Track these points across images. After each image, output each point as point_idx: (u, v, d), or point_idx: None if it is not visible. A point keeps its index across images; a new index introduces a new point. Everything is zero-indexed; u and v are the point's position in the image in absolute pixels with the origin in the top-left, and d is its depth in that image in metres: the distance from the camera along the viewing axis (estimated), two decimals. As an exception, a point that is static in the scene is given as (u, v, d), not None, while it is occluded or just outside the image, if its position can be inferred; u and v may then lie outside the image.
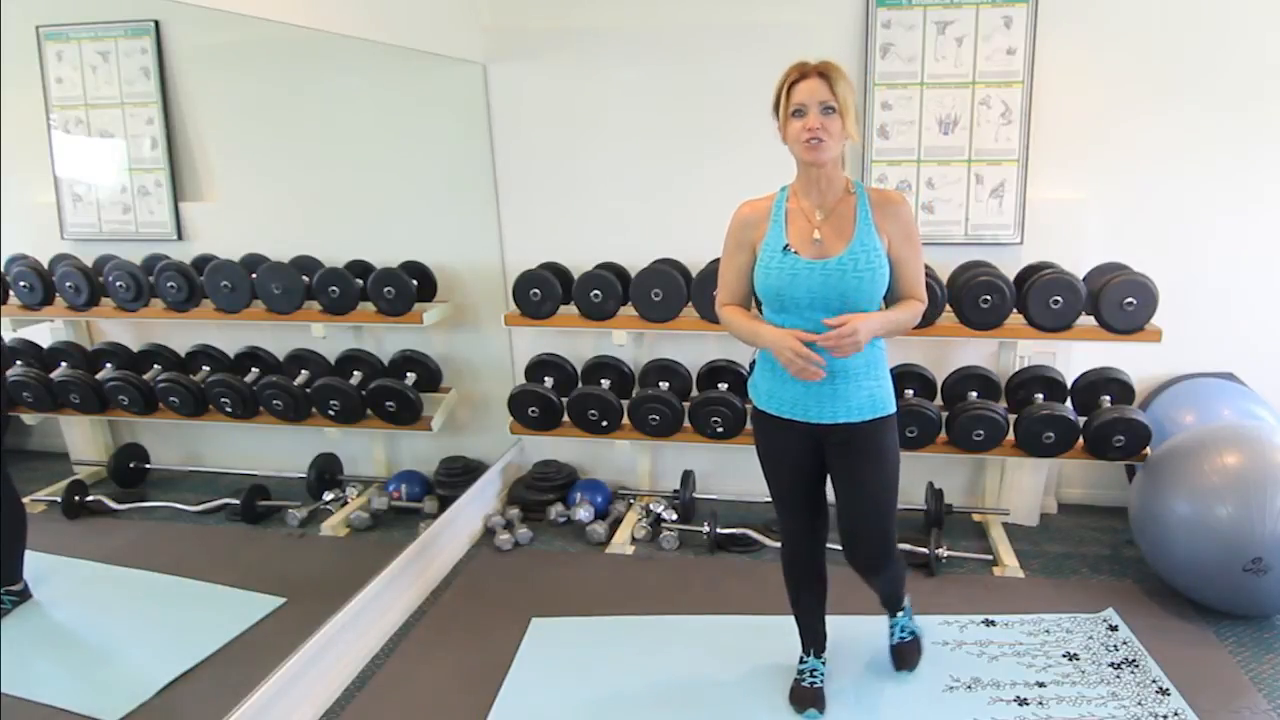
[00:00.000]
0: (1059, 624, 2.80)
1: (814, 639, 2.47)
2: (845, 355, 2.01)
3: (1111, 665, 2.58)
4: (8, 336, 3.70)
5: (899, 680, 2.54)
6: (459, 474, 3.73)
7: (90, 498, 3.62)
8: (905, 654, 2.58)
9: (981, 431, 3.18)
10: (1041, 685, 2.50)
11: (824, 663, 2.48)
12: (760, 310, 2.22)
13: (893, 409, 2.17)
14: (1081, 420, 3.18)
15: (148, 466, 3.94)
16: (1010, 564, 3.15)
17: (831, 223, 2.08)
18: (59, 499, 3.57)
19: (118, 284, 3.51)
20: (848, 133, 1.99)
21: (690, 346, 3.62)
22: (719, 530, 3.33)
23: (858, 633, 2.72)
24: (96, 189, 3.82)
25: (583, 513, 3.54)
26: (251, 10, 2.18)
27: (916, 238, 2.12)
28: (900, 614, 2.58)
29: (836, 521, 2.29)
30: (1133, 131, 3.25)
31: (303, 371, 3.73)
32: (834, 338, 1.97)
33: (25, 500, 3.60)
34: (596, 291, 3.36)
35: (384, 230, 3.73)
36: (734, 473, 3.76)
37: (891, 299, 2.15)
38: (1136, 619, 2.80)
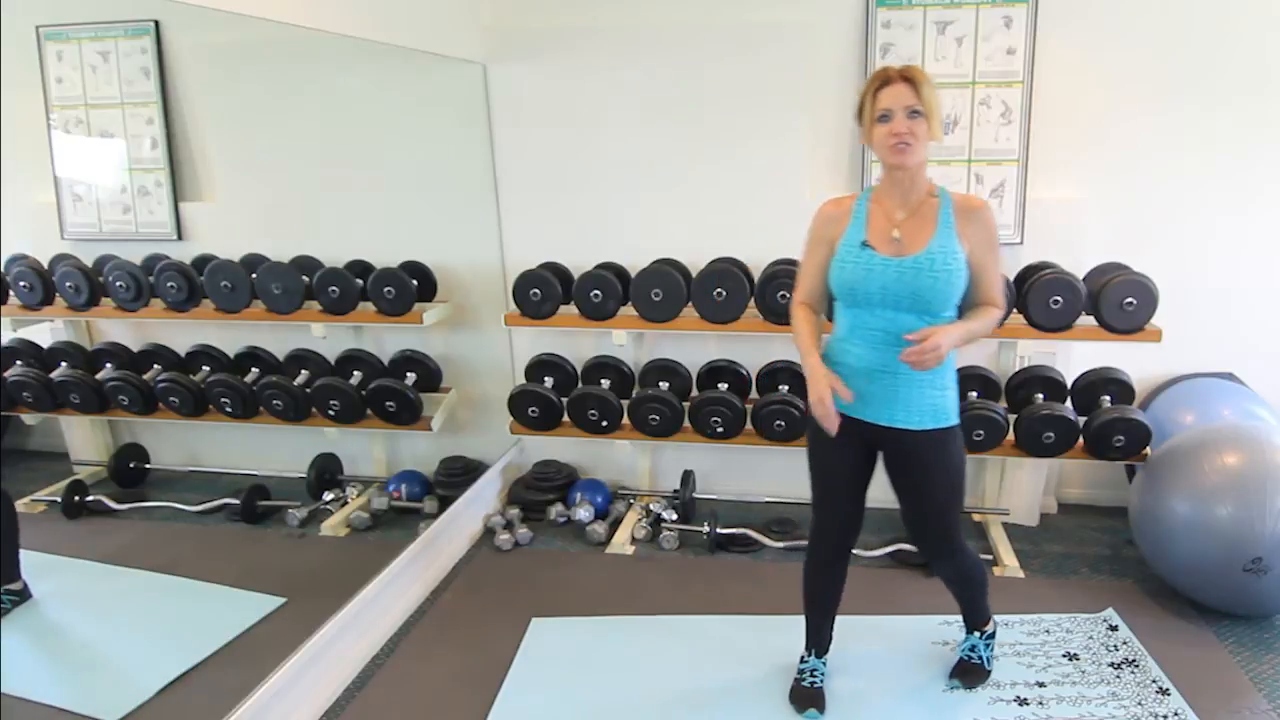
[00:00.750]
0: (1059, 624, 2.80)
1: (819, 640, 2.46)
2: (926, 369, 2.01)
3: (1111, 665, 2.58)
4: (7, 337, 3.70)
5: (899, 681, 2.54)
6: (459, 474, 3.73)
7: (90, 498, 3.62)
8: (963, 670, 2.52)
9: (981, 431, 3.18)
10: (1041, 685, 2.50)
11: (825, 663, 2.48)
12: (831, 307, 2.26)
13: (955, 420, 2.16)
14: (1081, 420, 3.18)
15: (148, 466, 3.94)
16: (1010, 564, 3.15)
17: (912, 222, 2.09)
18: (59, 499, 3.57)
19: (118, 284, 3.51)
20: (933, 134, 2.02)
21: (690, 346, 3.62)
22: (719, 530, 3.33)
23: (858, 633, 2.72)
24: (96, 189, 3.82)
25: (583, 513, 3.54)
26: (251, 10, 2.17)
27: (997, 245, 2.13)
28: (975, 634, 2.52)
29: (900, 514, 2.31)
30: (1132, 131, 3.25)
31: (303, 371, 3.73)
32: (916, 353, 1.98)
33: (26, 500, 3.63)
34: (596, 291, 3.36)
35: (384, 230, 3.73)
36: (734, 473, 3.76)
37: (967, 304, 2.15)
38: (1136, 619, 2.80)
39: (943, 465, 2.17)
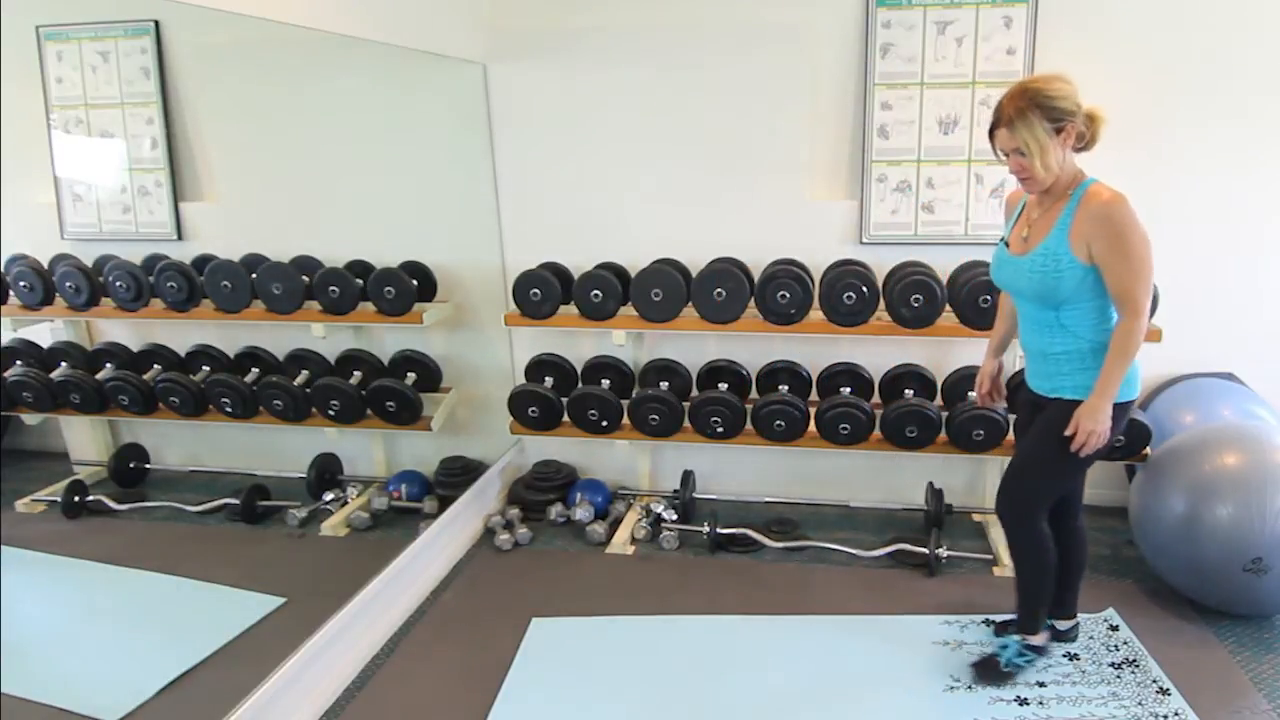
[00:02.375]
0: (1059, 624, 2.80)
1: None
2: (1104, 438, 2.17)
3: (1112, 665, 2.58)
4: (7, 337, 3.70)
5: (899, 680, 2.54)
6: (459, 474, 3.73)
7: (90, 498, 3.63)
8: (982, 664, 2.52)
9: (981, 431, 3.18)
10: (1042, 685, 2.50)
11: (1018, 638, 2.52)
12: None
13: (1078, 396, 2.22)
14: (1081, 420, 3.17)
15: (148, 466, 3.95)
16: (1010, 564, 3.14)
17: (1041, 222, 2.20)
18: (59, 499, 3.57)
19: (118, 284, 3.51)
20: (1043, 166, 2.07)
21: (690, 346, 3.62)
22: (719, 530, 3.33)
23: (858, 633, 2.73)
24: (96, 189, 3.82)
25: (583, 513, 3.54)
26: (251, 10, 2.18)
27: (1122, 245, 2.03)
28: (1017, 639, 2.51)
29: None
30: (1132, 131, 3.23)
31: (303, 371, 3.73)
32: (1081, 445, 2.17)
33: (26, 500, 3.65)
34: (596, 291, 3.36)
35: (384, 230, 3.73)
36: (734, 473, 3.76)
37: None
38: (1136, 619, 2.79)
39: (1045, 425, 2.30)
